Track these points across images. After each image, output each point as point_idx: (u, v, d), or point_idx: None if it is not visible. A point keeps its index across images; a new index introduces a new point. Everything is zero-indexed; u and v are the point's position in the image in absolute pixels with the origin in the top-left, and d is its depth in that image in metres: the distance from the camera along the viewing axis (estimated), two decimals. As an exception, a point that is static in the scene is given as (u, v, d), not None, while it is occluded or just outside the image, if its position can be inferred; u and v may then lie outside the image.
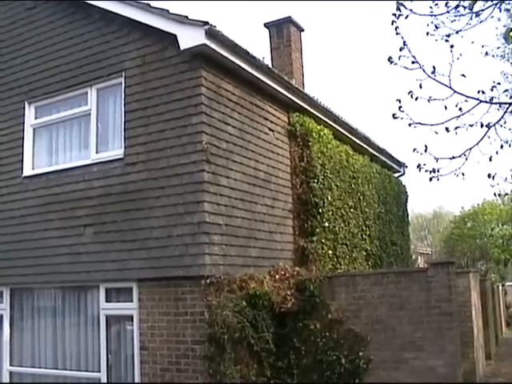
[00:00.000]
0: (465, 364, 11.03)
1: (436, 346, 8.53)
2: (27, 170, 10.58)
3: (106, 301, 9.38)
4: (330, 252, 11.15)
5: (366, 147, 14.41)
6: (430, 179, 6.41)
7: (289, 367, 9.18)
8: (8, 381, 10.48)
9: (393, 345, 8.81)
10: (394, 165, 16.71)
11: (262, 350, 8.63)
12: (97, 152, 9.79)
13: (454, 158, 6.42)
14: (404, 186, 17.33)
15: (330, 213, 11.43)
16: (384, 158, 15.78)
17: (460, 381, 8.86)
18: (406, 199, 17.20)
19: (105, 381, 9.25)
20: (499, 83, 6.56)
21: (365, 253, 12.90)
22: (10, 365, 10.59)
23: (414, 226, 38.22)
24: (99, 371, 9.36)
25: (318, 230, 10.90)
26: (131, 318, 9.05)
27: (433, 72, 6.19)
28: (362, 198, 13.24)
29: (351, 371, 8.90)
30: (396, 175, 17.17)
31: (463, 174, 6.47)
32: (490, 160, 6.47)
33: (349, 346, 9.00)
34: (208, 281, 8.29)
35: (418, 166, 6.36)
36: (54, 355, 10.12)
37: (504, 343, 20.19)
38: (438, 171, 6.44)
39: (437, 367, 8.47)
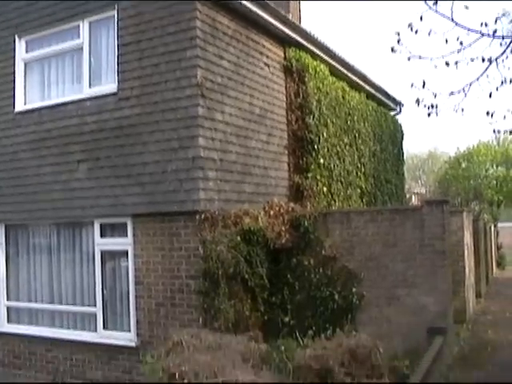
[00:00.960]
0: (455, 302, 11.27)
1: (428, 284, 8.67)
2: (19, 106, 10.44)
3: (101, 236, 9.44)
4: (325, 189, 11.19)
5: (363, 84, 14.24)
6: (429, 115, 6.35)
7: (282, 303, 9.36)
8: (5, 314, 10.67)
9: (386, 282, 8.95)
10: (390, 103, 16.58)
11: (256, 286, 8.76)
12: (90, 87, 9.64)
13: (452, 93, 6.35)
14: (400, 125, 17.26)
15: (326, 150, 11.41)
16: (380, 96, 15.64)
17: (450, 318, 9.07)
18: (402, 138, 17.15)
19: (100, 315, 9.42)
20: (504, 15, 6.41)
21: (359, 190, 12.96)
22: (7, 300, 10.77)
23: (409, 166, 38.25)
24: (95, 306, 9.52)
25: (313, 166, 10.91)
26: (126, 253, 9.13)
27: (435, 3, 6.05)
28: (357, 135, 13.19)
29: (344, 307, 9.07)
30: (392, 114, 17.06)
31: (462, 110, 6.42)
32: (490, 96, 6.40)
33: (342, 282, 9.15)
34: (202, 216, 8.33)
35: (417, 101, 6.29)
36: (50, 291, 10.27)
37: (494, 283, 20.60)
38: (437, 107, 6.39)
39: (428, 304, 8.63)
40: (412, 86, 6.28)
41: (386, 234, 8.99)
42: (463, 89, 6.35)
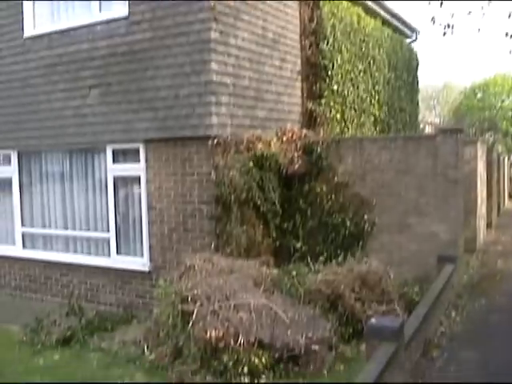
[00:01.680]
0: (466, 231, 11.29)
1: (440, 212, 8.66)
2: (28, 31, 10.26)
3: (114, 162, 9.45)
4: (338, 116, 11.06)
5: (378, 10, 13.79)
6: (444, 34, 6.16)
7: (294, 229, 9.42)
8: (21, 240, 10.87)
9: (397, 209, 8.95)
10: (406, 30, 16.09)
11: (269, 212, 8.81)
12: (100, 11, 9.43)
13: (470, 13, 6.14)
14: (415, 53, 16.81)
15: (339, 76, 11.21)
16: (396, 23, 15.16)
17: (461, 247, 9.11)
18: (417, 66, 16.75)
19: (114, 241, 9.56)
20: None
21: (373, 118, 12.79)
22: (22, 226, 10.94)
23: (423, 96, 37.54)
24: (108, 231, 9.66)
25: (326, 92, 10.75)
26: (138, 179, 9.17)
27: None
28: (372, 62, 12.90)
29: (356, 234, 9.11)
30: (408, 41, 16.60)
31: (479, 30, 6.23)
32: (510, 16, 6.18)
33: (354, 209, 9.15)
34: (215, 141, 8.29)
35: (432, 19, 6.10)
36: (64, 217, 10.40)
37: (505, 214, 20.60)
38: (453, 27, 6.19)
39: (439, 233, 8.64)
40: (429, 3, 6.06)
41: (399, 161, 8.91)
42: (481, 7, 6.12)
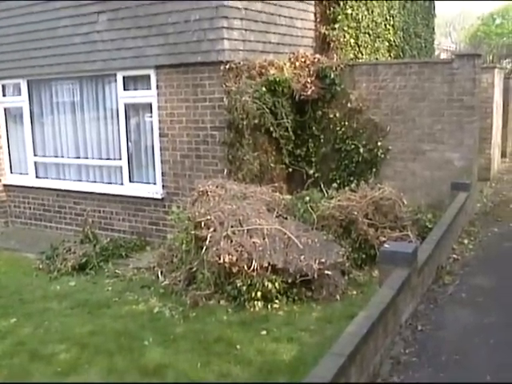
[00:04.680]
0: (481, 159, 11.14)
1: (454, 139, 8.49)
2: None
3: (124, 89, 9.27)
4: (352, 41, 10.72)
5: None
6: None
7: (307, 155, 9.34)
8: (34, 169, 10.85)
9: (412, 136, 8.78)
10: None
11: (281, 137, 8.69)
12: None
13: None
14: (432, -24, 16.13)
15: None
16: None
17: (475, 174, 8.98)
18: (434, -11, 16.11)
19: (126, 168, 9.51)
20: None
21: (387, 44, 12.39)
22: (35, 155, 10.91)
23: (439, 23, 36.51)
24: (120, 159, 9.59)
25: (340, 17, 10.37)
26: (150, 106, 9.01)
27: None
28: (387, -15, 12.39)
29: (369, 160, 9.00)
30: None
31: None
32: None
33: (368, 135, 9.00)
34: (227, 66, 8.07)
35: None
36: (76, 146, 10.34)
37: (520, 142, 20.26)
38: None
39: (454, 160, 8.51)
40: None
41: (414, 87, 8.67)
42: None
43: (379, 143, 8.92)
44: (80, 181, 10.30)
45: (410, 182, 8.77)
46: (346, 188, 7.87)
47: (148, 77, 8.91)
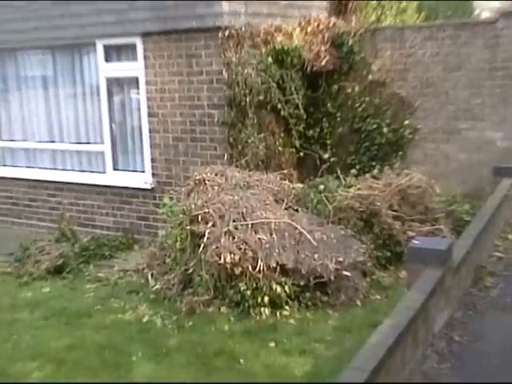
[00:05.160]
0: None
1: (497, 116, 8.46)
2: None
3: (106, 61, 9.27)
4: (374, 1, 10.74)
5: None
6: None
7: (321, 137, 9.35)
8: (1, 154, 10.87)
9: (445, 112, 8.76)
10: None
11: (291, 116, 8.69)
12: None
13: None
14: None
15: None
16: None
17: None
18: None
19: (109, 154, 9.53)
20: None
21: (416, 3, 12.37)
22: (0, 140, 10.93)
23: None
24: (102, 143, 9.61)
25: (359, -29, 10.38)
26: (136, 80, 9.01)
27: None
28: None
29: (394, 142, 9.00)
30: None
31: None
32: None
33: (392, 113, 9.01)
34: (226, 33, 8.06)
35: None
36: (49, 128, 10.36)
37: None
38: None
39: (496, 140, 8.49)
40: None
41: (448, 54, 8.64)
42: None
43: (406, 122, 8.92)
44: (55, 169, 10.32)
45: (442, 166, 8.77)
46: (367, 175, 7.89)
47: (133, 46, 8.91)
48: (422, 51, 8.81)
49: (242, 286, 6.19)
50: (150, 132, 8.99)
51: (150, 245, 8.12)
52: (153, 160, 9.04)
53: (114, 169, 9.57)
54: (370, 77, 9.05)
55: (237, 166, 8.02)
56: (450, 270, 5.42)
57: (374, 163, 8.75)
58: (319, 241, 6.49)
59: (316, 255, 6.33)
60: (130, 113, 9.36)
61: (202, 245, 6.44)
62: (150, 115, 8.94)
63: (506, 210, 7.99)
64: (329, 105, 9.23)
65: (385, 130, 8.97)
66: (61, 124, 10.21)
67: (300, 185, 7.98)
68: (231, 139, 8.28)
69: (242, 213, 6.60)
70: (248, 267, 6.15)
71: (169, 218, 7.27)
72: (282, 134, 8.76)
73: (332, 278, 6.25)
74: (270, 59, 8.28)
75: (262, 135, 8.36)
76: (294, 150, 9.01)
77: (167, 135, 8.83)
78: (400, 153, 8.98)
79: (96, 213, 9.73)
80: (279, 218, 6.65)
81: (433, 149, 8.89)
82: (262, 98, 8.16)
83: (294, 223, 6.61)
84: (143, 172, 9.21)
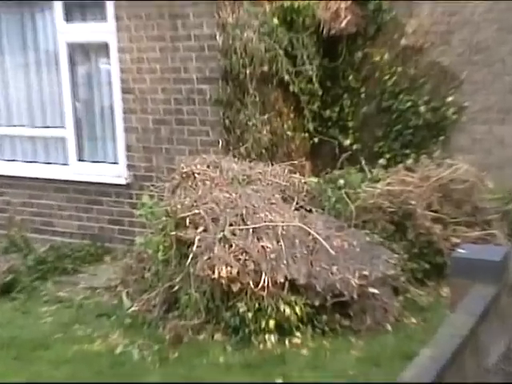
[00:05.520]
0: None
1: None
2: None
3: (67, 21, 9.29)
4: None
5: None
6: None
7: (341, 118, 9.39)
8: None
9: (500, 86, 8.78)
10: None
11: (302, 93, 8.75)
12: None
13: None
14: None
15: None
16: None
17: None
18: None
19: (73, 141, 9.55)
20: None
21: None
22: None
23: None
24: (63, 127, 9.64)
25: None
26: (106, 47, 9.06)
27: None
28: None
29: (434, 124, 9.04)
30: None
31: None
32: None
33: (432, 86, 9.04)
34: (222, -11, 8.15)
35: None
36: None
37: None
38: None
39: None
40: None
41: (506, 10, 8.61)
42: None
43: (449, 98, 8.95)
44: (2, 160, 10.32)
45: (496, 155, 8.79)
46: (400, 165, 7.90)
47: (102, 3, 8.96)
48: (470, 8, 8.82)
49: (242, 307, 6.22)
50: (125, 113, 9.02)
51: (124, 255, 8.19)
52: (128, 148, 9.07)
53: (79, 159, 9.60)
54: (404, 41, 9.07)
55: (234, 156, 8.06)
56: (506, 287, 5.43)
57: (407, 151, 8.80)
58: (338, 249, 6.53)
59: (334, 268, 6.36)
60: (99, 88, 9.40)
61: (191, 255, 6.46)
62: (124, 91, 8.97)
63: None
64: (351, 77, 9.27)
65: (422, 108, 8.99)
66: (8, 102, 10.21)
67: (314, 179, 8.01)
68: (227, 122, 8.32)
69: (242, 214, 6.63)
70: (249, 283, 6.18)
71: (149, 221, 7.29)
72: (292, 115, 8.82)
73: (355, 296, 6.27)
74: (275, 20, 8.34)
75: (265, 116, 8.41)
76: (306, 134, 9.08)
77: (146, 117, 8.86)
78: (441, 138, 9.02)
79: (56, 215, 9.76)
80: (288, 220, 6.68)
81: (484, 132, 8.92)
82: (266, 69, 8.22)
83: (306, 227, 6.65)
84: (116, 163, 9.26)
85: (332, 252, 6.47)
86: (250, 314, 6.19)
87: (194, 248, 6.44)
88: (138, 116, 8.92)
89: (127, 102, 8.97)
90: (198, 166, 7.37)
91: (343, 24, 8.85)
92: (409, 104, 9.07)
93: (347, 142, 9.27)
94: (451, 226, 7.27)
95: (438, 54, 9.00)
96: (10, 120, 10.22)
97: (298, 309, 6.24)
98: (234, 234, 6.44)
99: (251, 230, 6.48)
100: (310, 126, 9.02)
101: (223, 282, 6.19)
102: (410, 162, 8.02)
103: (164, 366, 6.10)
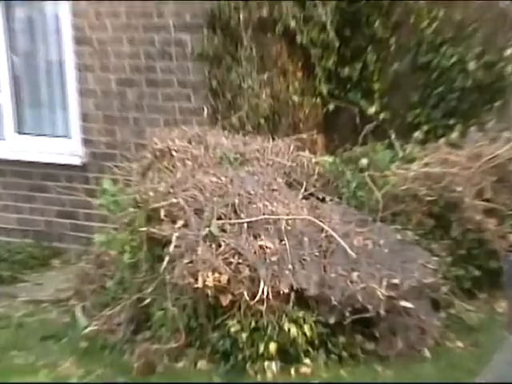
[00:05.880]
0: None
1: None
2: None
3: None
4: None
5: None
6: None
7: (364, 78, 9.38)
8: None
9: None
10: None
11: (313, 44, 8.81)
12: None
13: None
14: None
15: None
16: None
17: None
18: None
19: (9, 107, 9.62)
20: None
21: None
22: None
23: None
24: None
25: None
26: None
27: None
28: None
29: (486, 85, 9.02)
30: None
31: None
32: None
33: (485, 35, 9.02)
34: None
35: None
36: None
37: None
38: None
39: None
40: None
41: None
42: None
43: (508, 51, 8.93)
44: None
45: None
46: (441, 140, 7.91)
47: None
48: None
49: (233, 326, 6.19)
50: (79, 70, 9.07)
51: (79, 259, 8.19)
52: (84, 117, 9.12)
53: (18, 132, 9.67)
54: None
55: (224, 128, 8.08)
56: None
57: (451, 121, 8.80)
58: (360, 250, 6.52)
59: (355, 274, 6.34)
60: (45, 38, 9.44)
61: (167, 258, 6.42)
62: (77, 42, 9.01)
63: None
64: (377, 24, 9.26)
65: (471, 65, 8.99)
66: None
67: (329, 158, 7.98)
68: (214, 83, 8.35)
69: (233, 204, 6.61)
70: (243, 294, 6.15)
71: (111, 213, 7.29)
72: (299, 75, 8.86)
73: (382, 312, 6.26)
74: None
75: (265, 76, 8.44)
76: (318, 100, 9.10)
77: (107, 76, 8.91)
78: (497, 103, 9.01)
79: (-13, 206, 9.81)
80: (294, 212, 6.68)
81: None
82: (264, 13, 8.25)
83: (318, 221, 6.63)
84: (67, 138, 9.29)
85: (352, 254, 6.44)
86: (244, 335, 6.16)
87: (171, 248, 6.38)
88: (97, 75, 8.95)
89: (82, 56, 9.01)
90: (177, 141, 7.39)
91: None
92: (454, 59, 9.06)
93: (372, 110, 9.26)
94: (509, 220, 7.29)
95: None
96: None
97: (307, 328, 6.19)
98: (224, 231, 6.41)
99: (246, 225, 6.44)
100: (324, 89, 9.05)
101: (209, 292, 6.14)
102: (454, 135, 8.03)
103: (131, 404, 6.15)
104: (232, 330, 6.19)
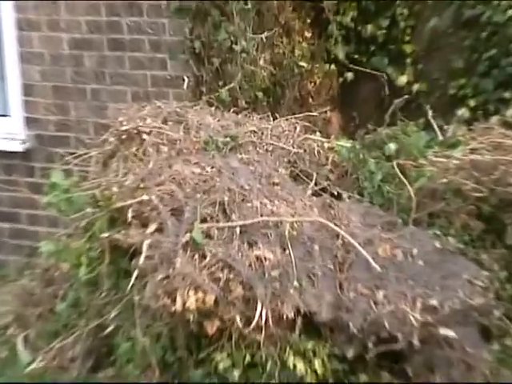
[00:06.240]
0: None
1: None
2: None
3: None
4: None
5: None
6: None
7: (392, 38, 9.52)
8: None
9: None
10: None
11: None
12: None
13: None
14: None
15: None
16: None
17: None
18: None
19: None
20: None
21: None
22: None
23: None
24: None
25: None
26: None
27: None
28: None
29: None
30: None
31: None
32: None
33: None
34: None
35: None
36: None
37: None
38: None
39: None
40: None
41: None
42: None
43: None
44: None
45: None
46: (493, 119, 7.93)
47: None
48: None
49: (222, 362, 6.22)
50: (21, 29, 9.13)
51: (20, 274, 8.22)
52: (27, 90, 9.18)
53: None
54: None
55: (210, 104, 8.11)
56: None
57: (507, 94, 8.84)
58: (387, 262, 6.55)
59: (381, 293, 6.36)
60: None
61: (136, 272, 6.45)
62: (20, 29, 9.08)
63: None
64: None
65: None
66: None
67: (346, 142, 8.01)
68: (198, 45, 8.39)
69: (222, 203, 6.63)
70: (234, 320, 6.20)
71: (63, 214, 7.30)
72: (308, 34, 8.88)
73: (416, 342, 6.30)
74: None
75: (263, 35, 8.48)
76: (332, 67, 9.17)
77: (58, 35, 8.94)
78: None
79: None
80: (301, 213, 6.71)
81: None
82: None
83: (332, 224, 6.65)
84: (6, 116, 9.33)
85: (376, 267, 6.47)
86: (236, 373, 6.17)
87: (141, 260, 6.37)
88: (44, 35, 8.99)
89: (23, 10, 9.04)
90: (148, 121, 7.42)
91: None
92: (509, 15, 9.13)
93: (403, 80, 9.33)
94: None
95: None
96: None
97: (317, 364, 6.22)
98: (210, 237, 6.44)
99: (238, 230, 6.46)
100: (340, 53, 9.08)
101: (191, 317, 6.16)
102: (510, 112, 8.07)
103: None
104: (220, 366, 6.19)
